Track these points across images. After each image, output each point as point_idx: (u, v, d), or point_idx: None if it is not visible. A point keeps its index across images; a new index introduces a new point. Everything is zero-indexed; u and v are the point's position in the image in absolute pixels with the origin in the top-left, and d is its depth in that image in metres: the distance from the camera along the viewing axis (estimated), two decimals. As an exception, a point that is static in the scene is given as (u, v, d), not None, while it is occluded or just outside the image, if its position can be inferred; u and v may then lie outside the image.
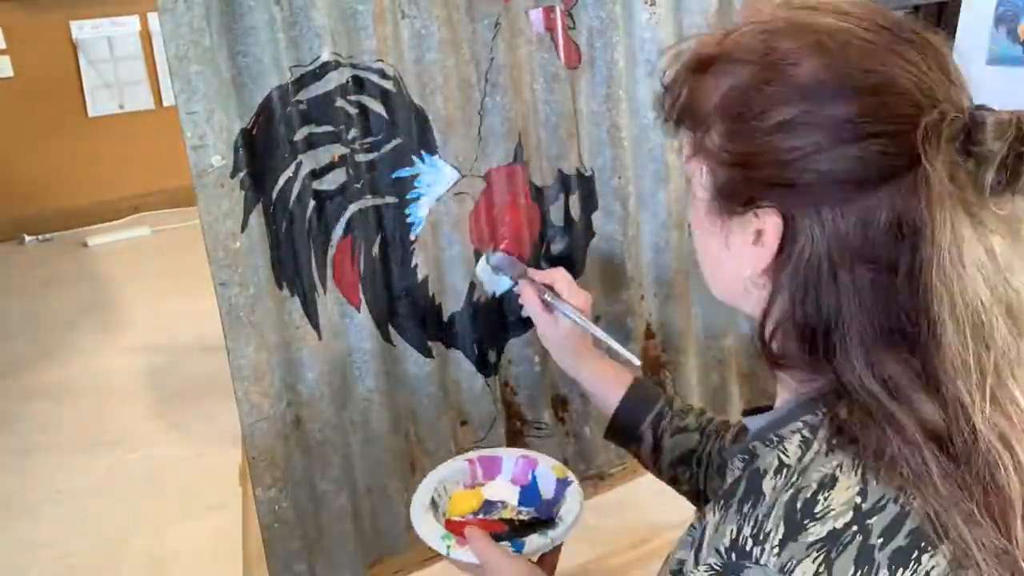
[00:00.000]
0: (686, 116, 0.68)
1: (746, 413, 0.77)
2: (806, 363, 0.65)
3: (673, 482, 1.06)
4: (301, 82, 1.07)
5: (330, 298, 1.14)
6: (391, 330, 1.21)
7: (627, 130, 1.30)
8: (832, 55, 0.61)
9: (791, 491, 0.60)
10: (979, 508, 0.58)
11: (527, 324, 1.31)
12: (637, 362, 1.11)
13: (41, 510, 2.24)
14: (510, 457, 1.10)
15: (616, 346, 1.08)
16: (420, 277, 1.21)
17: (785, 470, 0.63)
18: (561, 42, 1.23)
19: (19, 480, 2.35)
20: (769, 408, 0.74)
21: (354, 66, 1.09)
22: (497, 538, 0.95)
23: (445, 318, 1.25)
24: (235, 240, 1.04)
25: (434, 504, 1.04)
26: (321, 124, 1.09)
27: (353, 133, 1.11)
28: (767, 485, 0.62)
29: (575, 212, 1.31)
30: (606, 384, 1.09)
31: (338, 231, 1.14)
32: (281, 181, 1.08)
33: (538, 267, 1.30)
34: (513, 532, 0.98)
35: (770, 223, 0.63)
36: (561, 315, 1.08)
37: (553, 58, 1.23)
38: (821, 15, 0.63)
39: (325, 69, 1.07)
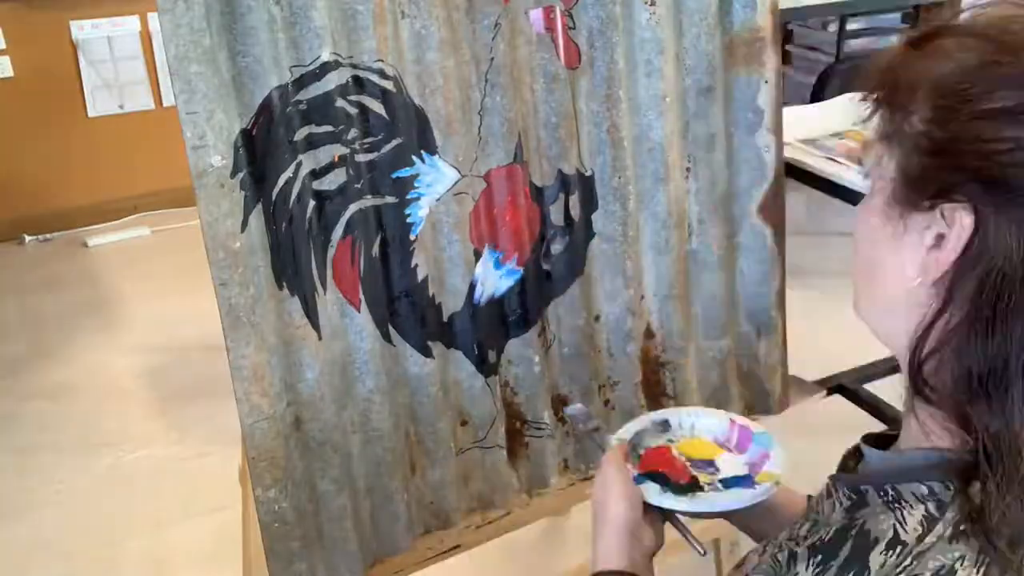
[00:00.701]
0: (891, 93, 0.59)
1: (867, 439, 0.70)
2: (954, 405, 0.58)
3: None
4: (301, 82, 1.07)
5: (330, 298, 1.14)
6: (391, 330, 1.21)
7: (627, 130, 1.30)
8: None
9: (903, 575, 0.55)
10: None
11: (527, 324, 1.31)
12: (705, 552, 0.95)
13: (41, 510, 2.24)
14: (765, 445, 0.99)
15: (692, 539, 0.92)
16: (420, 277, 1.21)
17: (900, 548, 0.56)
18: (561, 42, 1.23)
19: (19, 480, 2.35)
20: (894, 437, 0.67)
21: (354, 66, 1.09)
22: (674, 487, 0.91)
23: (445, 318, 1.25)
24: (235, 240, 1.04)
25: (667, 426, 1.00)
26: (321, 124, 1.09)
27: (353, 133, 1.11)
28: (875, 559, 0.56)
29: (575, 212, 1.31)
30: None
31: (338, 231, 1.14)
32: (281, 181, 1.08)
33: (538, 268, 1.30)
34: (687, 489, 0.92)
35: (959, 223, 0.55)
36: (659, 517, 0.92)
37: (553, 58, 1.23)
38: None
39: (325, 69, 1.07)
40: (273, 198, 1.08)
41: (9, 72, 3.61)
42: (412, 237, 1.19)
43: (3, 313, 3.22)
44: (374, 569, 1.27)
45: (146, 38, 3.76)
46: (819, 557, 0.59)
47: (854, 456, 0.71)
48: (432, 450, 1.28)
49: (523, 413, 1.35)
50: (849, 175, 1.88)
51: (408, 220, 1.18)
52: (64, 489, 2.31)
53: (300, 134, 1.08)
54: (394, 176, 1.16)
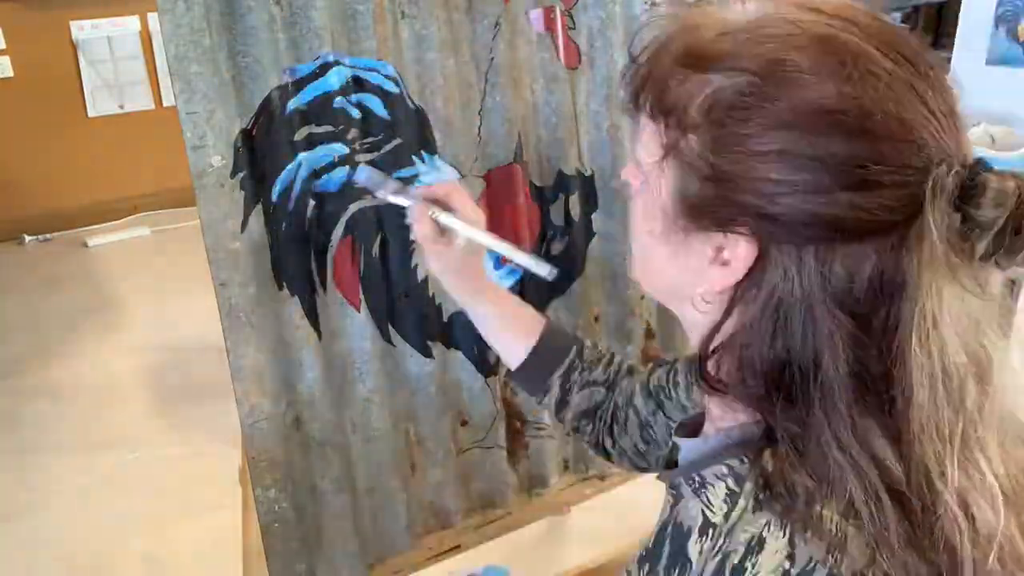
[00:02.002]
0: (663, 110, 0.58)
1: (679, 430, 0.72)
2: (749, 396, 0.60)
3: (574, 431, 1.01)
4: (301, 82, 1.07)
5: (330, 298, 1.14)
6: (391, 330, 1.21)
7: (627, 130, 1.30)
8: (852, 83, 0.53)
9: (718, 557, 0.56)
10: (929, 573, 0.54)
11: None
12: (554, 271, 0.99)
13: (41, 510, 2.24)
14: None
15: (527, 259, 0.96)
16: (420, 277, 1.21)
17: (711, 530, 0.58)
18: (561, 42, 1.23)
19: (19, 480, 2.35)
20: (700, 421, 0.69)
21: (354, 66, 1.09)
22: None
23: (445, 318, 1.25)
24: (235, 240, 1.04)
25: None
26: (321, 124, 1.09)
27: (353, 133, 1.11)
28: (693, 549, 0.58)
29: (575, 212, 1.31)
30: (513, 326, 1.01)
31: (338, 231, 1.13)
32: (281, 181, 1.08)
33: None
34: None
35: (741, 249, 0.57)
36: (457, 237, 0.96)
37: (553, 58, 1.23)
38: (842, 28, 0.55)
39: (325, 69, 1.07)
40: (273, 198, 1.08)
41: (9, 72, 3.62)
42: (412, 237, 1.19)
43: (3, 313, 3.22)
44: (374, 569, 1.27)
45: (146, 38, 3.76)
46: (646, 566, 0.61)
47: (670, 452, 0.72)
48: (432, 450, 1.28)
49: (523, 413, 1.35)
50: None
51: (408, 220, 1.18)
52: (64, 489, 2.31)
53: (300, 134, 1.08)
54: (394, 176, 1.16)
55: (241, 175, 1.04)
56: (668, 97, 0.58)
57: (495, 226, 1.26)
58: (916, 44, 0.56)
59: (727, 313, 0.59)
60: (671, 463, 0.73)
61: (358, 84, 1.10)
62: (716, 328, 0.60)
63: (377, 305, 1.18)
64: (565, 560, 1.90)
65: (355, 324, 1.17)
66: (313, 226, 1.11)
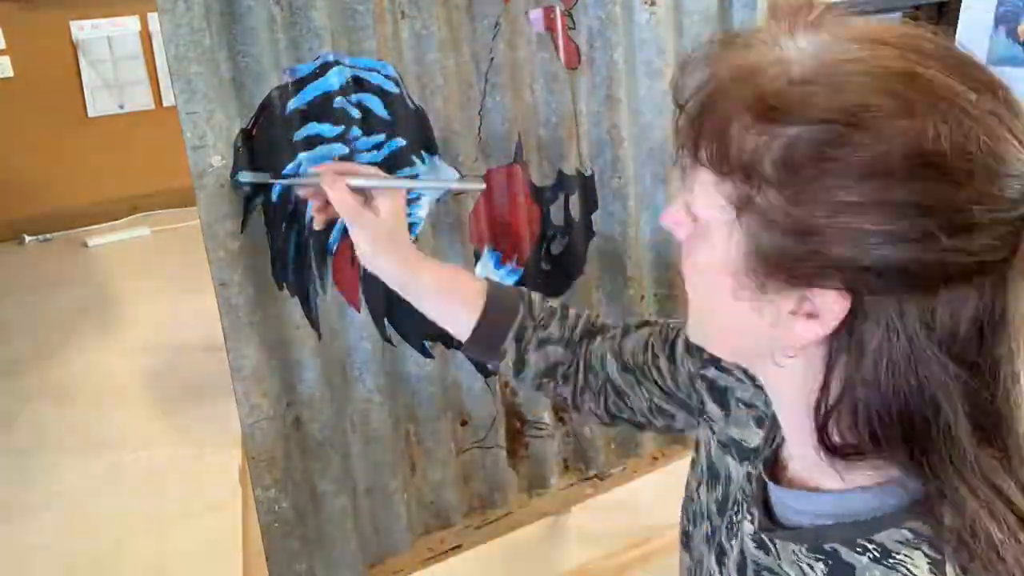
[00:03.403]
0: (731, 165, 0.54)
1: (767, 470, 0.67)
2: (886, 455, 0.56)
3: (536, 389, 0.98)
4: (301, 82, 1.07)
5: (330, 298, 1.14)
6: (391, 330, 1.21)
7: (627, 130, 1.30)
8: (943, 122, 0.49)
9: None
10: None
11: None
12: (482, 185, 1.00)
13: (41, 510, 2.24)
14: None
15: (457, 185, 0.95)
16: (420, 277, 1.21)
17: None
18: (561, 42, 1.23)
19: (19, 480, 2.35)
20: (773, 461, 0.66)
21: (354, 66, 1.09)
22: None
23: (445, 318, 1.25)
24: (235, 240, 1.04)
25: None
26: (321, 124, 1.09)
27: (353, 133, 1.11)
28: None
29: (575, 212, 1.31)
30: (456, 296, 0.96)
31: (338, 231, 1.13)
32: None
33: (538, 268, 1.30)
34: None
35: (831, 302, 0.53)
36: (378, 200, 0.94)
37: (553, 58, 1.23)
38: (919, 62, 0.51)
39: (325, 69, 1.07)
40: (273, 199, 1.08)
41: (9, 72, 3.61)
42: (412, 237, 1.19)
43: (3, 313, 3.22)
44: (374, 569, 1.27)
45: (146, 38, 3.76)
46: None
47: (760, 494, 0.67)
48: (432, 450, 1.28)
49: (523, 413, 1.35)
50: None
51: (408, 220, 1.18)
52: (64, 489, 2.31)
53: (300, 134, 1.08)
54: (396, 175, 1.16)
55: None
56: (735, 150, 0.53)
57: (494, 226, 1.26)
58: (986, 69, 0.54)
59: (829, 370, 0.56)
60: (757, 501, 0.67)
61: (358, 84, 1.10)
62: (824, 390, 0.56)
63: (377, 305, 1.18)
64: (565, 560, 1.90)
65: (355, 324, 1.17)
66: (313, 226, 1.11)
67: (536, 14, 1.20)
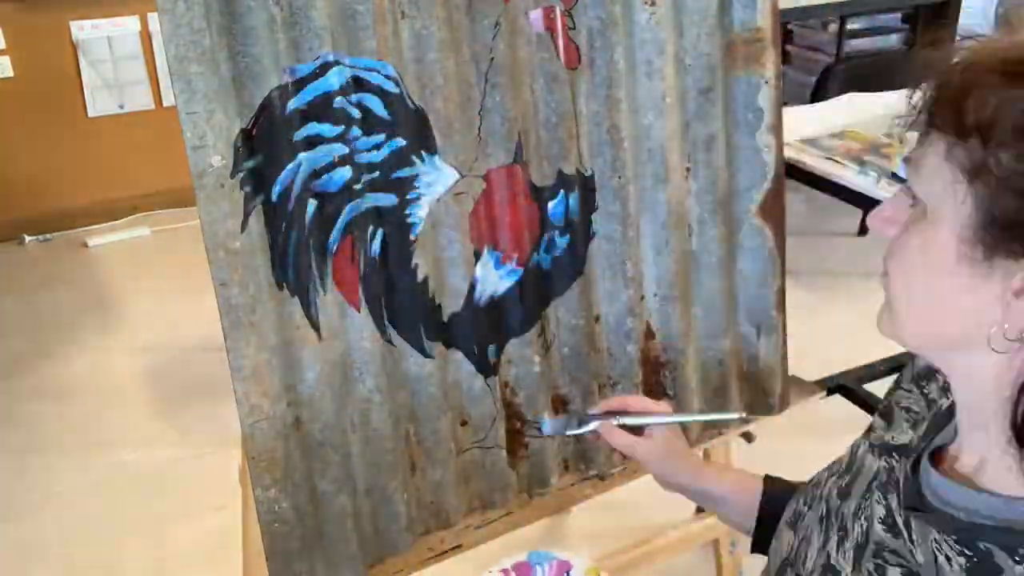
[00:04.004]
0: (972, 127, 0.54)
1: (929, 455, 0.66)
2: None
3: None
4: (301, 82, 1.07)
5: (330, 298, 1.14)
6: (391, 330, 1.21)
7: (627, 130, 1.30)
8: None
9: None
10: None
11: (527, 324, 1.31)
12: (743, 413, 1.12)
13: (41, 510, 2.24)
14: (542, 564, 1.05)
15: (716, 416, 1.05)
16: (420, 277, 1.21)
17: None
18: (561, 42, 1.23)
19: (19, 480, 2.35)
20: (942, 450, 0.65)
21: (354, 66, 1.09)
22: None
23: (445, 318, 1.25)
24: (235, 240, 1.04)
25: None
26: (321, 124, 1.09)
27: (353, 133, 1.11)
28: None
29: (575, 212, 1.31)
30: (733, 485, 0.99)
31: (338, 231, 1.14)
32: (281, 181, 1.08)
33: (538, 268, 1.30)
34: None
35: None
36: (653, 427, 1.01)
37: (553, 58, 1.23)
38: None
39: (325, 69, 1.07)
40: (273, 198, 1.08)
41: (9, 72, 3.61)
42: (412, 237, 1.19)
43: (3, 313, 3.22)
44: (374, 569, 1.27)
45: (146, 38, 3.76)
46: None
47: (911, 476, 0.67)
48: (432, 450, 1.28)
49: (523, 413, 1.35)
50: (849, 175, 1.88)
51: (408, 220, 1.18)
52: (64, 489, 2.31)
53: (300, 134, 1.08)
54: (394, 176, 1.16)
55: (241, 175, 1.04)
56: (975, 111, 0.53)
57: (494, 226, 1.26)
58: None
59: None
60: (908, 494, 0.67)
61: (358, 84, 1.10)
62: None
63: (377, 305, 1.19)
64: (565, 560, 1.90)
65: (355, 324, 1.17)
66: (313, 226, 1.11)
67: (536, 14, 1.20)
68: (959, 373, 0.62)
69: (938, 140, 0.56)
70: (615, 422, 1.01)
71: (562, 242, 1.31)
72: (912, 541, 0.62)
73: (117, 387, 2.75)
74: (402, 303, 1.21)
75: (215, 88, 1.00)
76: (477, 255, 1.25)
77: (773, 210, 1.43)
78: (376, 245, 1.17)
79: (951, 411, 0.68)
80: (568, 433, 1.08)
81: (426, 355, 1.24)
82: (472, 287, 1.25)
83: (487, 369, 1.30)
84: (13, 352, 2.95)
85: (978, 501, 0.60)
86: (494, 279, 1.27)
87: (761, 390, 1.53)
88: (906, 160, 0.59)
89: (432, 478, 1.30)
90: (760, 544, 0.96)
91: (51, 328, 3.09)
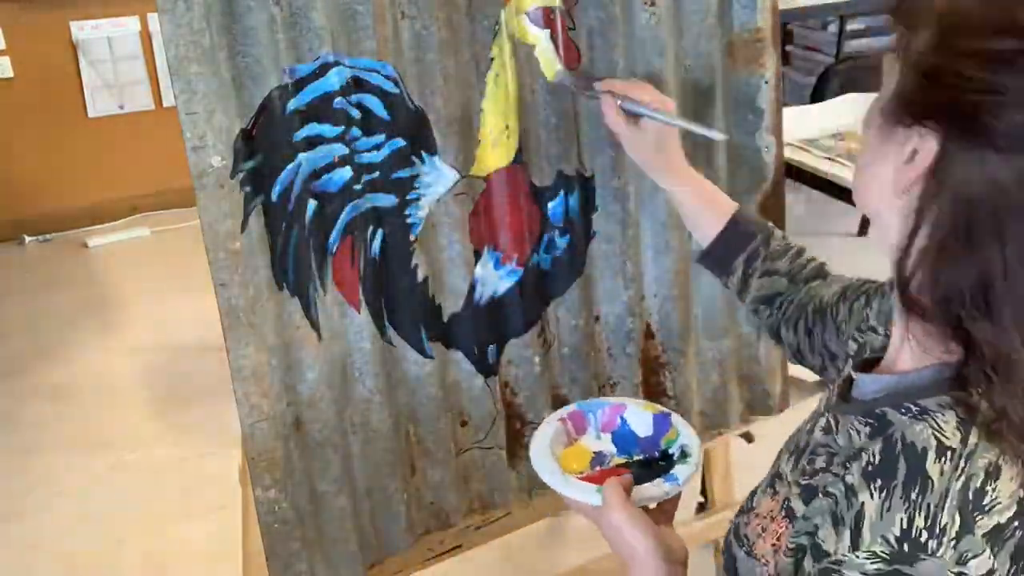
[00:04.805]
0: (904, 10, 0.64)
1: (857, 367, 0.75)
2: (946, 320, 0.62)
3: (753, 314, 1.09)
4: (301, 82, 1.07)
5: (330, 298, 1.14)
6: (391, 330, 1.21)
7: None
8: None
9: (962, 479, 0.59)
10: None
11: (527, 324, 1.31)
12: (723, 136, 1.16)
13: (41, 510, 2.24)
14: (594, 411, 1.03)
15: (702, 129, 1.11)
16: (420, 278, 1.21)
17: (949, 453, 0.60)
18: (561, 42, 1.23)
19: (19, 480, 2.35)
20: (876, 361, 0.73)
21: (354, 66, 1.09)
22: (638, 477, 0.91)
23: (445, 319, 1.25)
24: (235, 240, 1.04)
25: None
26: (321, 124, 1.09)
27: (353, 133, 1.11)
28: (933, 468, 0.60)
29: (575, 212, 1.31)
30: (706, 206, 1.10)
31: (338, 231, 1.14)
32: (281, 181, 1.08)
33: (538, 269, 1.30)
34: (638, 473, 0.93)
35: (926, 147, 0.60)
36: (647, 120, 1.08)
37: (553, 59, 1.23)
38: None
39: (325, 69, 1.07)
40: (273, 199, 1.08)
41: (9, 72, 3.62)
42: (412, 237, 1.19)
43: (3, 313, 3.22)
44: (374, 569, 1.27)
45: (146, 38, 3.76)
46: (878, 481, 0.62)
47: (845, 387, 0.75)
48: (432, 450, 1.28)
49: (523, 413, 1.35)
50: (849, 175, 1.88)
51: (408, 220, 1.18)
52: (64, 489, 2.31)
53: (300, 134, 1.08)
54: (394, 177, 1.16)
55: (241, 175, 1.04)
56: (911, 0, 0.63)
57: (494, 227, 1.26)
58: None
59: (916, 223, 0.61)
60: (841, 396, 0.76)
61: (358, 84, 1.10)
62: (910, 237, 0.62)
63: (377, 305, 1.19)
64: (565, 560, 1.90)
65: (355, 324, 1.17)
66: (313, 226, 1.11)
67: (536, 14, 1.20)
68: (886, 236, 0.68)
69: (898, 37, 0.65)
70: (617, 102, 1.08)
71: (562, 242, 1.31)
72: (836, 432, 0.71)
73: (117, 387, 2.75)
74: (402, 303, 1.21)
75: (215, 88, 0.99)
76: (477, 255, 1.25)
77: (773, 210, 1.43)
78: (376, 245, 1.17)
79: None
80: (573, 89, 1.15)
81: (426, 355, 1.24)
82: (472, 287, 1.25)
83: (487, 369, 1.30)
84: (13, 352, 2.95)
85: (881, 383, 0.69)
86: (494, 279, 1.27)
87: (761, 390, 1.53)
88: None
89: (432, 478, 1.30)
90: (708, 258, 1.10)
91: (51, 328, 3.09)
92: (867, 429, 0.67)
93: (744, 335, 1.50)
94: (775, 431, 1.56)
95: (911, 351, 0.67)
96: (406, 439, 1.26)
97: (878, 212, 0.68)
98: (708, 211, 1.10)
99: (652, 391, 1.44)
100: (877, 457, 0.63)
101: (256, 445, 1.11)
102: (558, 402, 1.38)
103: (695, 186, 1.12)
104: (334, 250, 1.14)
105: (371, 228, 1.16)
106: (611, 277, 1.36)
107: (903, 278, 0.63)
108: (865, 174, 0.69)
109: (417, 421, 1.27)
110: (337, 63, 1.07)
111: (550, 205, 1.29)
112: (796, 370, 1.63)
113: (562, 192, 1.29)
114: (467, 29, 1.16)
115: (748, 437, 1.62)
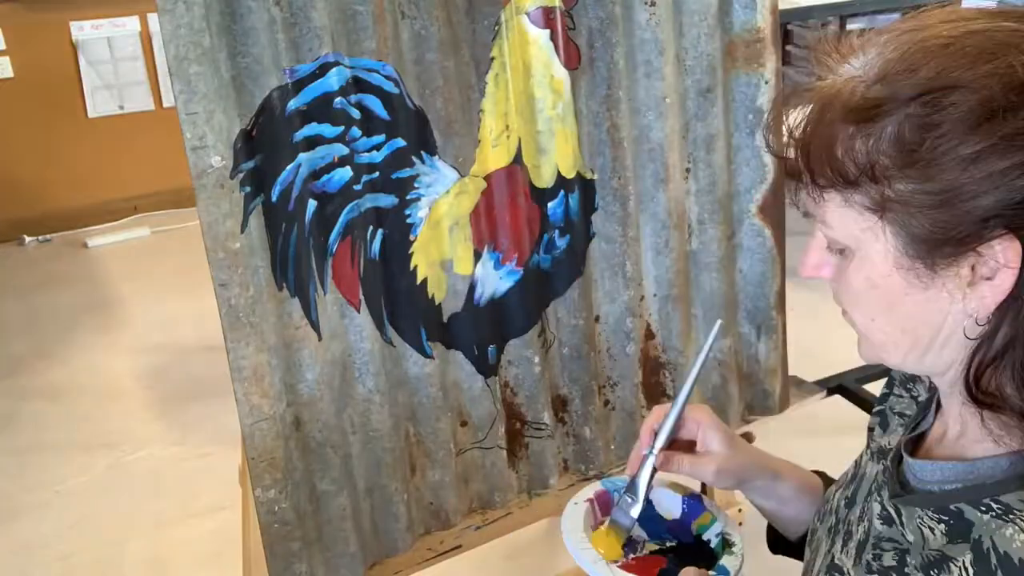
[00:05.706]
0: (857, 173, 0.57)
1: (907, 448, 0.69)
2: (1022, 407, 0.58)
3: None
4: (301, 82, 1.07)
5: (330, 298, 1.14)
6: (391, 330, 1.21)
7: (627, 130, 1.30)
8: (1019, 53, 0.54)
9: None
10: None
11: (527, 324, 1.31)
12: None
13: (41, 510, 2.24)
14: (620, 491, 0.94)
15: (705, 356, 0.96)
16: (420, 278, 1.21)
17: None
18: (561, 42, 1.23)
19: (19, 480, 2.35)
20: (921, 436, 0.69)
21: (354, 66, 1.09)
22: (667, 572, 0.88)
23: (445, 319, 1.25)
24: (235, 240, 1.04)
25: None
26: (321, 124, 1.09)
27: (353, 133, 1.11)
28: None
29: (575, 212, 1.31)
30: (804, 483, 0.91)
31: (338, 231, 1.14)
32: (281, 182, 1.08)
33: (538, 269, 1.30)
34: (676, 562, 0.90)
35: (1006, 250, 0.55)
36: (707, 432, 0.91)
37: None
38: (967, 23, 0.56)
39: (325, 69, 1.07)
40: (273, 199, 1.08)
41: (9, 72, 3.62)
42: (412, 238, 1.19)
43: (3, 313, 3.22)
44: (374, 569, 1.27)
45: (146, 39, 3.76)
46: None
47: (895, 467, 0.70)
48: (432, 450, 1.28)
49: (523, 413, 1.35)
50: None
51: (408, 221, 1.18)
52: (64, 489, 2.31)
53: (300, 134, 1.08)
54: (394, 177, 1.16)
55: (241, 175, 1.04)
56: (851, 160, 0.57)
57: (494, 227, 1.26)
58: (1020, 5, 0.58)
59: (999, 322, 0.58)
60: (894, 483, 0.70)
61: (358, 84, 1.10)
62: (989, 340, 0.58)
63: (377, 305, 1.19)
64: (565, 560, 1.90)
65: (355, 324, 1.17)
66: (313, 226, 1.11)
67: (536, 14, 1.20)
68: (944, 367, 0.64)
69: (830, 194, 0.60)
70: (649, 454, 0.89)
71: (562, 242, 1.31)
72: (903, 525, 0.66)
73: (117, 387, 2.75)
74: (402, 303, 1.21)
75: (215, 88, 1.00)
76: (477, 255, 1.25)
77: (773, 210, 1.43)
78: (376, 246, 1.17)
79: (929, 400, 0.72)
80: (640, 500, 0.92)
81: (426, 355, 1.24)
82: (472, 287, 1.25)
83: (487, 369, 1.30)
84: (13, 352, 2.95)
85: (947, 471, 0.64)
86: (494, 279, 1.27)
87: (761, 390, 1.53)
88: (805, 215, 0.63)
89: (432, 478, 1.30)
90: (784, 546, 0.93)
91: (51, 328, 3.09)
92: (942, 527, 0.61)
93: (744, 335, 1.50)
94: (775, 431, 1.56)
95: (972, 436, 0.63)
96: (406, 439, 1.26)
97: (938, 349, 0.62)
98: (810, 494, 0.90)
99: (652, 391, 1.44)
100: (971, 570, 0.59)
101: (256, 445, 1.11)
102: (558, 402, 1.38)
103: (792, 477, 0.90)
104: (334, 250, 1.14)
105: (371, 228, 1.16)
106: (611, 277, 1.36)
107: (975, 377, 0.60)
108: (911, 331, 0.62)
109: (417, 421, 1.27)
110: (337, 63, 1.07)
111: (550, 205, 1.29)
112: (796, 370, 1.63)
113: (562, 192, 1.29)
114: (467, 29, 1.16)
115: (748, 437, 1.62)
